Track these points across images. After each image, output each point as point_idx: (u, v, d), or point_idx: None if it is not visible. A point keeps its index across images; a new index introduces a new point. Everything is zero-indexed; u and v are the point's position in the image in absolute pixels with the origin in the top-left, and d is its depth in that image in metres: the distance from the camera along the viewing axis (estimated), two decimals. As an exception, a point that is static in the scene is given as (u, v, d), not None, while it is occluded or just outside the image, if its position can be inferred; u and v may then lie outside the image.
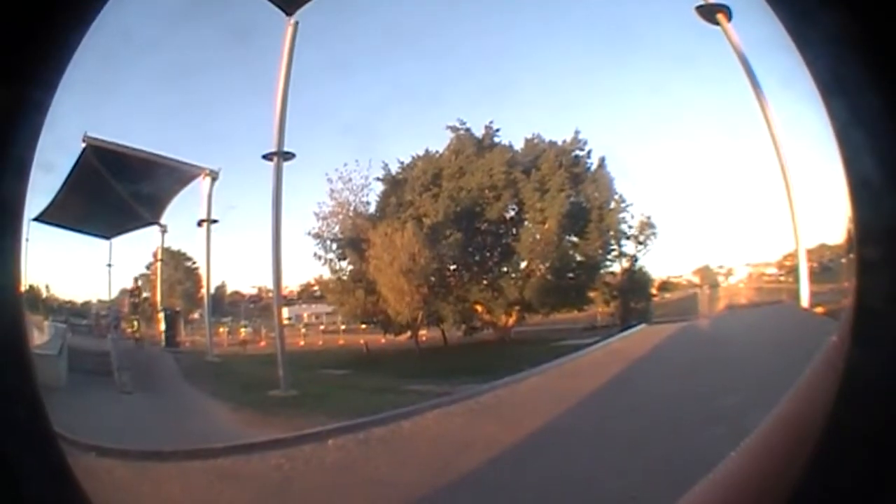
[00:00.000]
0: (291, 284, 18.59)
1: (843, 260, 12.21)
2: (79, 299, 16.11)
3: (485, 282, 16.53)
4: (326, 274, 17.29)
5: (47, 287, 14.56)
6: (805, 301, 12.70)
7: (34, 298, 13.36)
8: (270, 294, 16.06)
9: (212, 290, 16.98)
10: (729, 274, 17.48)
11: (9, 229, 1.25)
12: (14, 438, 1.39)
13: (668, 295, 17.94)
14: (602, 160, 16.60)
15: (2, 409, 1.41)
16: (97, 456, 6.32)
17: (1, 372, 1.40)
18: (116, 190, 13.87)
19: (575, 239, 16.50)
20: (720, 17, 12.91)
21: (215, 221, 15.43)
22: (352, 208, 16.79)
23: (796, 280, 13.19)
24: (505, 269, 16.62)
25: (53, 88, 1.22)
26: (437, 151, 16.93)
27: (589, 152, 16.64)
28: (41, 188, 11.65)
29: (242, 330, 18.57)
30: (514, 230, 16.57)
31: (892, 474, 1.06)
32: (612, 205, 16.55)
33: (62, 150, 12.51)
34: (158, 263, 17.05)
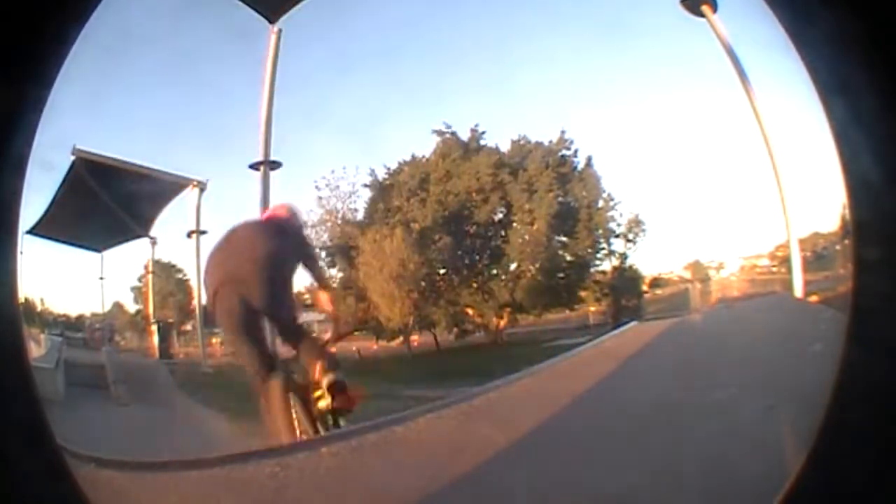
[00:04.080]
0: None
1: (838, 247, 12.24)
2: (73, 312, 16.04)
3: (475, 285, 16.53)
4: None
5: (42, 300, 14.49)
6: (799, 291, 12.73)
7: (30, 311, 13.30)
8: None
9: (203, 302, 16.94)
10: (720, 267, 17.51)
11: (6, 226, 1.25)
12: (14, 443, 1.39)
13: (659, 291, 17.99)
14: (589, 159, 16.68)
15: (2, 414, 1.41)
16: (97, 467, 6.31)
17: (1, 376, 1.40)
18: (106, 203, 13.85)
19: (564, 239, 16.55)
20: (706, 8, 12.92)
21: (204, 233, 15.39)
22: (340, 216, 16.82)
23: (789, 270, 13.21)
24: (495, 271, 16.63)
25: (48, 87, 1.22)
26: (423, 156, 16.97)
27: (576, 151, 16.72)
28: (33, 201, 11.63)
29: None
30: (503, 232, 16.59)
31: (892, 473, 1.06)
32: (601, 203, 16.61)
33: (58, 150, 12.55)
34: (150, 276, 16.98)
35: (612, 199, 16.59)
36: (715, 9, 12.83)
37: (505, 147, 16.80)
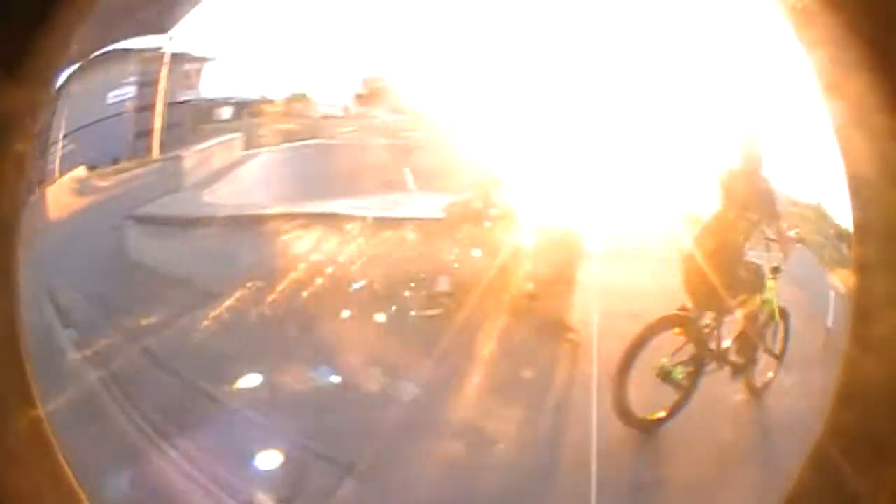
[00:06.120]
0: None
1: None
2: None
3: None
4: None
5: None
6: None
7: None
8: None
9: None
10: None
11: (10, 227, 1.25)
12: (11, 435, 1.39)
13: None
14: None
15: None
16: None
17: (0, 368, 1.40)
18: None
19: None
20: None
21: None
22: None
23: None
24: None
25: (52, 86, 1.21)
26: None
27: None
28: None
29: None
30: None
31: (893, 473, 1.05)
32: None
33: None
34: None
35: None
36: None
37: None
